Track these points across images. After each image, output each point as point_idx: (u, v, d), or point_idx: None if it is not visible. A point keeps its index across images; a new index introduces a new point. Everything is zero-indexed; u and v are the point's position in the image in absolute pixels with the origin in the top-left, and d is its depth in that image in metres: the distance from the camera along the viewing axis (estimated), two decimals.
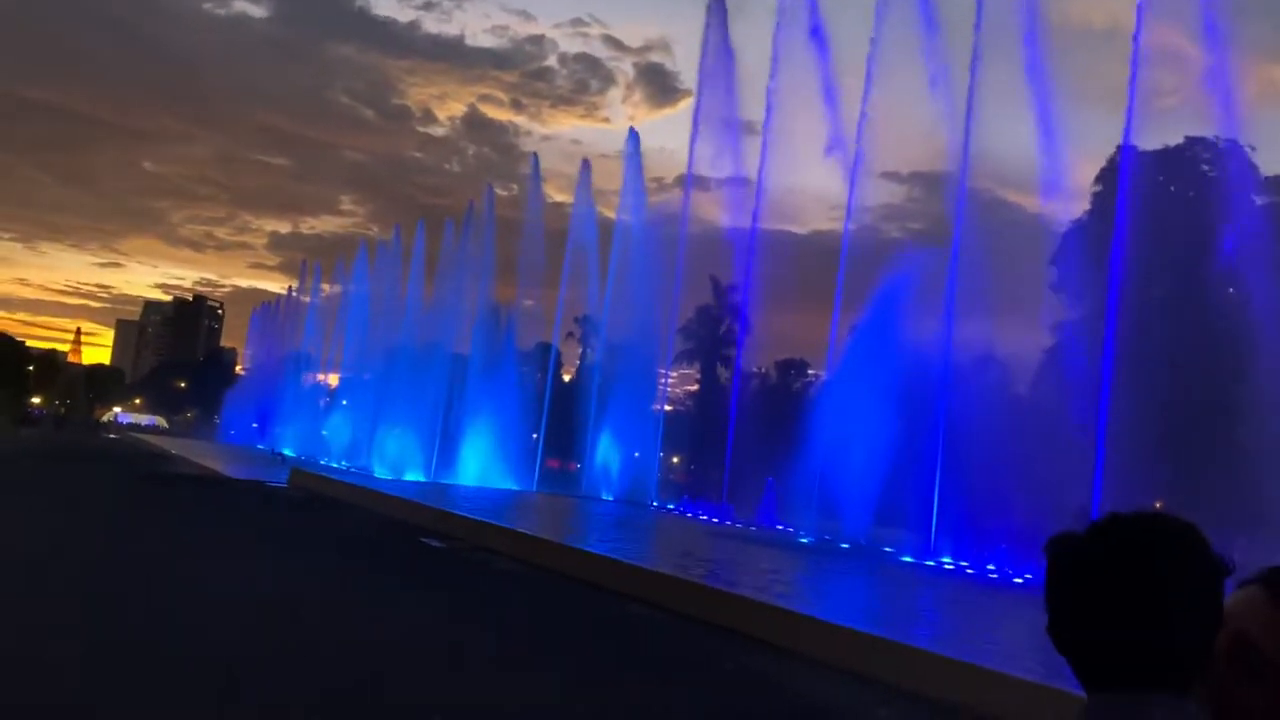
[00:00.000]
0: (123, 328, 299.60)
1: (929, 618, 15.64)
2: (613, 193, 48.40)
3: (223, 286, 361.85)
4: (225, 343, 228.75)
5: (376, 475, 41.76)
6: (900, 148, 32.04)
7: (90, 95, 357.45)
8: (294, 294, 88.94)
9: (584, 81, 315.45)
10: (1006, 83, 25.37)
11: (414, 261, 56.17)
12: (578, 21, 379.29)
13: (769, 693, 9.75)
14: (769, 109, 36.20)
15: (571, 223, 47.17)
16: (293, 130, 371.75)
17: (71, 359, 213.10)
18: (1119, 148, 25.13)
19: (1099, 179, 31.09)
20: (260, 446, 69.53)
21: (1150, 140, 26.16)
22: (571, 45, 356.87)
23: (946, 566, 22.75)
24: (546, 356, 47.93)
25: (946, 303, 25.42)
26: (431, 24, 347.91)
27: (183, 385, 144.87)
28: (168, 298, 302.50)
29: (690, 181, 41.36)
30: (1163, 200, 26.23)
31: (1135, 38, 22.49)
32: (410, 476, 41.33)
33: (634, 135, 47.07)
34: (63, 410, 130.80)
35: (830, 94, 33.74)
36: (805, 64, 34.71)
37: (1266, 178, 28.75)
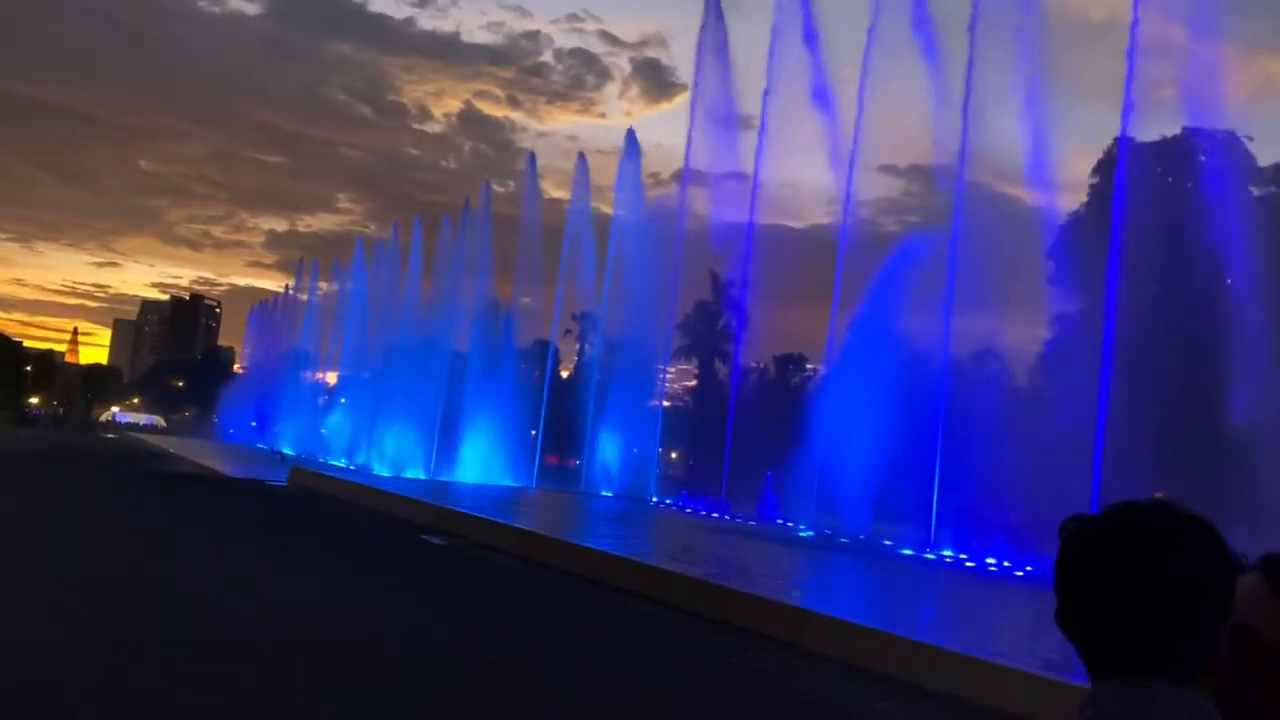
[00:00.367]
0: (120, 327, 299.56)
1: (930, 611, 15.66)
2: (610, 188, 48.23)
3: (220, 285, 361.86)
4: (223, 341, 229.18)
5: (376, 473, 41.78)
6: (897, 141, 32.05)
7: (86, 93, 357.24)
8: (292, 292, 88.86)
9: (580, 77, 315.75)
10: (1003, 75, 25.36)
11: (412, 259, 56.16)
12: (573, 17, 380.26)
13: (772, 688, 9.76)
14: (765, 103, 36.18)
15: (569, 219, 47.15)
16: (289, 128, 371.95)
17: (69, 359, 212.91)
18: (1116, 140, 25.14)
19: (1096, 171, 31.12)
20: (259, 445, 69.47)
21: (1147, 132, 26.19)
22: (567, 41, 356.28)
23: (946, 560, 22.76)
24: (545, 353, 47.93)
25: (945, 296, 25.43)
26: (427, 20, 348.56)
27: (181, 384, 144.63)
28: (165, 297, 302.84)
29: (687, 176, 41.34)
30: (1160, 192, 26.23)
31: (1132, 29, 22.48)
32: (410, 474, 41.37)
33: (631, 134, 47.09)
34: (60, 410, 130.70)
35: (826, 89, 33.71)
36: (802, 58, 34.67)
37: (1263, 168, 28.79)
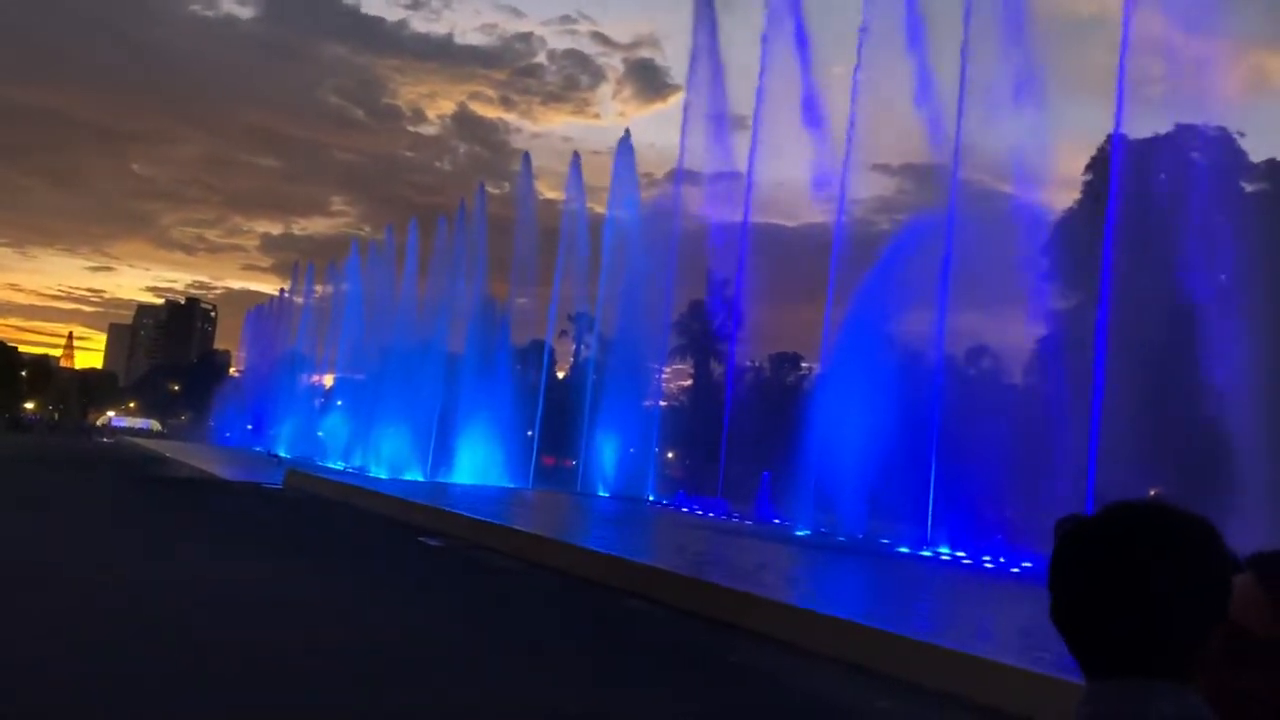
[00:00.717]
0: (115, 331, 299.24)
1: (927, 609, 15.67)
2: (604, 189, 48.31)
3: (215, 289, 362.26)
4: (219, 345, 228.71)
5: (373, 475, 41.73)
6: (891, 140, 32.08)
7: (78, 98, 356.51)
8: (287, 295, 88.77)
9: (574, 78, 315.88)
10: (996, 73, 25.41)
11: (407, 261, 56.16)
12: (566, 18, 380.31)
13: (770, 687, 9.77)
14: (758, 103, 36.23)
15: (563, 220, 47.18)
16: (283, 131, 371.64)
17: (64, 364, 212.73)
18: (1109, 136, 25.18)
19: (1089, 168, 31.20)
20: (256, 448, 69.39)
21: (1140, 128, 26.24)
22: (561, 42, 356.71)
23: (944, 557, 22.79)
24: (541, 354, 47.94)
25: (940, 294, 25.47)
26: (420, 23, 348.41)
27: (176, 388, 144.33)
28: (160, 301, 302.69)
29: (681, 177, 41.40)
30: (1153, 188, 26.29)
31: (1124, 25, 22.54)
32: (407, 476, 41.32)
33: (626, 135, 47.13)
34: (56, 416, 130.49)
35: (818, 88, 33.77)
36: (794, 57, 34.73)
37: (1255, 164, 28.87)
